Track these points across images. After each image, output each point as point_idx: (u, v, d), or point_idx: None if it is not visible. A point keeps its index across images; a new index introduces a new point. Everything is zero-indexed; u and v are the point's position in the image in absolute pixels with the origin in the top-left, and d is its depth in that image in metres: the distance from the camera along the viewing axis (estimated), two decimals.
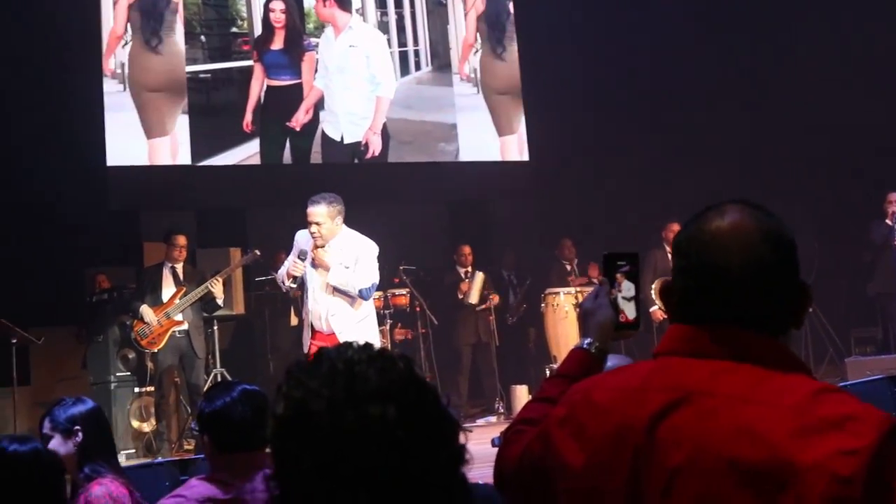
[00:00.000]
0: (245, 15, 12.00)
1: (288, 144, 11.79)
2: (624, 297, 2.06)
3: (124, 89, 11.21)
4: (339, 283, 6.64)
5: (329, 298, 6.72)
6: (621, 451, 1.57)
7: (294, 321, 10.82)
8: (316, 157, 11.92)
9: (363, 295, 6.74)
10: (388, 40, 12.48)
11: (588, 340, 2.05)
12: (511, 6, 13.05)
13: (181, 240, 9.18)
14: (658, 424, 1.54)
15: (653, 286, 10.30)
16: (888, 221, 10.33)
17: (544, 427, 1.75)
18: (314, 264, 6.73)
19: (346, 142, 11.98)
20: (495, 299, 10.61)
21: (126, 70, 11.21)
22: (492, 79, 12.82)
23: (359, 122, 12.08)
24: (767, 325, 1.60)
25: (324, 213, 6.61)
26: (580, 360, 2.04)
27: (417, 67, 12.66)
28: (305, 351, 6.91)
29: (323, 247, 6.68)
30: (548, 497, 1.71)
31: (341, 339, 6.54)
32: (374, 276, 6.79)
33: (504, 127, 12.75)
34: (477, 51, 12.81)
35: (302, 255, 6.71)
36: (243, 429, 2.97)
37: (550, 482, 1.68)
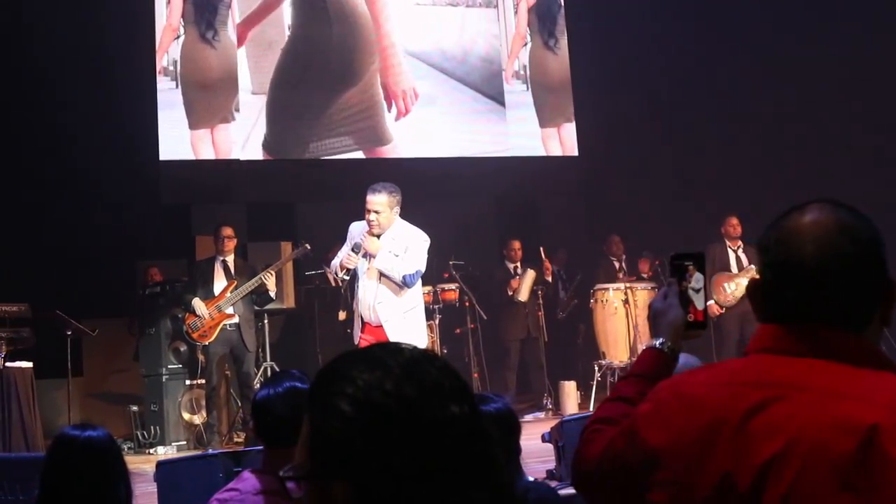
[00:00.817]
0: None
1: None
2: (693, 289, 2.08)
3: (176, 86, 11.32)
4: (384, 267, 6.65)
5: (376, 287, 6.72)
6: (713, 444, 1.58)
7: (342, 315, 10.87)
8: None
9: (406, 281, 6.71)
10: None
11: (660, 340, 2.06)
12: None
13: (227, 230, 9.24)
14: (752, 418, 1.56)
15: (712, 279, 10.26)
16: None
17: (629, 424, 1.77)
18: (365, 255, 6.76)
19: None
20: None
21: (178, 66, 11.31)
22: (542, 73, 12.79)
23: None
24: (851, 322, 1.61)
25: (384, 202, 6.63)
26: (653, 359, 2.05)
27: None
28: (356, 343, 6.93)
29: (379, 235, 6.69)
30: (633, 493, 1.72)
31: (388, 329, 6.62)
32: (419, 264, 6.77)
33: (553, 121, 12.71)
34: (527, 44, 12.78)
35: (356, 248, 6.72)
36: (282, 425, 2.92)
37: (637, 476, 1.70)
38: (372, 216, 6.63)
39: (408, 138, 12.08)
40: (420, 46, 12.35)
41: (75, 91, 10.69)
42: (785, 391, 1.57)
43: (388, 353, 1.29)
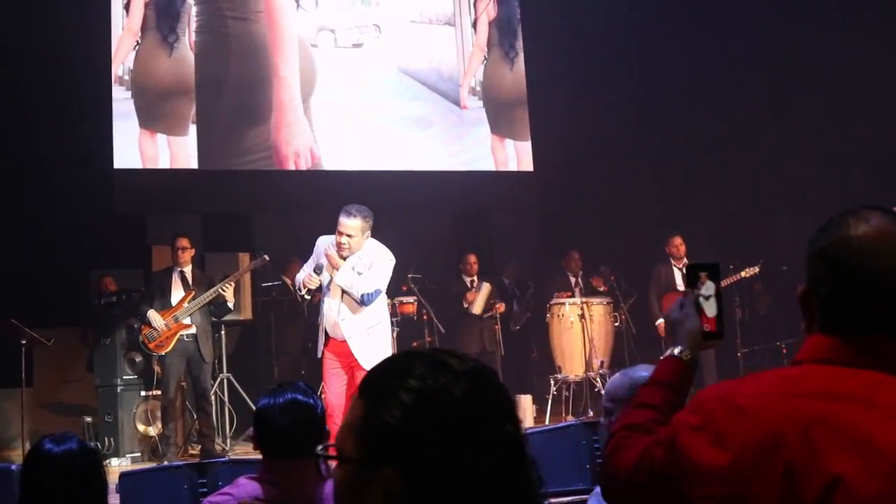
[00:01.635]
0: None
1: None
2: (703, 296, 2.09)
3: (131, 96, 11.24)
4: (344, 284, 6.70)
5: (339, 303, 6.76)
6: (771, 456, 1.54)
7: (302, 326, 10.86)
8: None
9: (364, 300, 6.75)
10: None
11: (679, 349, 2.07)
12: (519, 11, 13.09)
13: (182, 241, 9.19)
14: (815, 431, 1.52)
15: (658, 300, 10.40)
16: None
17: (669, 434, 1.73)
18: (320, 272, 6.79)
19: None
20: (501, 308, 10.65)
21: (133, 71, 11.23)
22: (497, 88, 12.85)
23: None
24: None
25: (357, 227, 6.69)
26: (673, 367, 2.05)
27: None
28: (319, 356, 6.94)
29: (346, 258, 6.71)
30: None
31: (352, 345, 6.66)
32: (379, 283, 6.83)
33: (508, 136, 12.78)
34: (485, 59, 12.85)
35: (317, 270, 6.75)
36: (282, 436, 2.96)
37: (678, 489, 1.66)
38: (343, 239, 6.67)
39: (364, 150, 12.09)
40: (381, 59, 12.37)
41: (29, 99, 10.58)
42: (851, 405, 1.53)
43: (456, 359, 1.33)
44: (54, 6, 10.60)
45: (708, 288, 2.10)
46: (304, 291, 6.96)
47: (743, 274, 10.27)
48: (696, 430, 1.65)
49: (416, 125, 12.45)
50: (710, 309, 2.09)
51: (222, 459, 6.14)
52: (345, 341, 6.75)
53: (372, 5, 12.47)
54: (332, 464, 1.33)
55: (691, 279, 2.13)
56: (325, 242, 6.88)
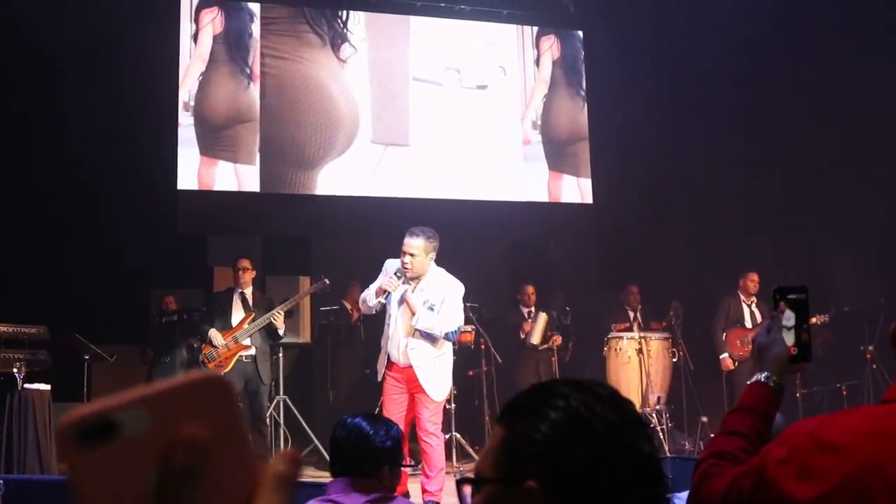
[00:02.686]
0: None
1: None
2: (784, 326, 2.09)
3: (193, 123, 11.45)
4: (426, 327, 6.76)
5: (409, 336, 6.81)
6: (860, 494, 1.56)
7: (358, 351, 10.90)
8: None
9: (448, 337, 6.87)
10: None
11: (766, 374, 2.07)
12: (582, 54, 13.17)
13: (244, 262, 9.27)
14: None
15: (724, 335, 10.30)
16: None
17: (757, 465, 1.76)
18: (401, 299, 6.80)
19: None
20: (558, 340, 10.59)
21: (195, 101, 11.43)
22: (557, 124, 12.90)
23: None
24: None
25: (420, 247, 6.75)
26: (760, 393, 2.05)
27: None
28: (378, 379, 6.95)
29: (413, 278, 6.76)
30: None
31: (419, 373, 6.68)
32: (460, 319, 6.93)
33: (566, 171, 12.81)
34: (545, 96, 12.91)
35: (399, 273, 6.76)
36: (343, 455, 3.18)
37: None
38: (407, 259, 6.73)
39: (425, 178, 12.17)
40: (438, 79, 12.51)
41: (96, 120, 10.77)
42: None
43: (597, 384, 1.39)
44: (125, 28, 10.79)
45: (788, 318, 2.09)
46: (379, 299, 6.91)
47: (813, 321, 10.13)
48: (783, 462, 1.67)
49: (482, 158, 12.58)
50: (790, 338, 2.09)
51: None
52: (409, 367, 6.77)
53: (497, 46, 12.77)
54: (468, 491, 1.36)
55: (777, 303, 2.12)
56: (393, 265, 6.91)
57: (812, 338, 2.11)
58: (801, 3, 12.22)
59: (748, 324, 10.38)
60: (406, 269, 6.75)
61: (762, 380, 2.06)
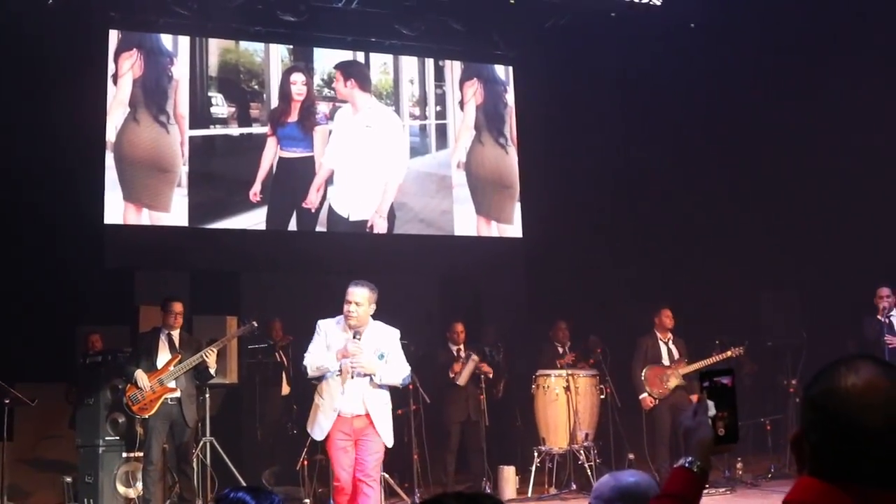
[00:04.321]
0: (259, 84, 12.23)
1: (294, 216, 11.94)
2: (710, 410, 2.13)
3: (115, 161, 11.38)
4: (389, 381, 6.95)
5: (360, 383, 6.87)
6: None
7: (286, 390, 10.83)
8: (320, 229, 12.11)
9: (405, 382, 7.21)
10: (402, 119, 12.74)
11: (689, 459, 2.11)
12: (507, 97, 13.30)
13: (178, 306, 9.17)
14: None
15: (643, 374, 10.42)
16: (879, 317, 10.25)
17: None
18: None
19: (351, 219, 12.19)
20: (488, 370, 10.59)
21: (120, 142, 11.36)
22: (484, 167, 13.03)
23: (367, 202, 12.28)
24: None
25: (365, 296, 6.86)
26: (684, 479, 2.10)
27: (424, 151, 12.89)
28: (322, 438, 6.96)
29: (356, 327, 6.86)
30: None
31: (375, 420, 6.84)
32: (406, 364, 7.14)
33: (492, 215, 12.94)
34: (472, 139, 13.03)
35: (357, 336, 6.84)
36: None
37: None
38: (352, 307, 6.83)
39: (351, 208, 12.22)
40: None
41: (22, 152, 10.65)
42: None
43: (483, 497, 1.47)
44: (55, 61, 10.68)
45: (710, 408, 2.13)
46: (331, 365, 6.92)
47: (728, 353, 10.30)
48: None
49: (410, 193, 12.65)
50: (718, 428, 2.13)
51: None
52: (361, 416, 6.85)
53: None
54: None
55: (704, 387, 2.16)
56: (328, 325, 7.00)
57: (738, 416, 2.16)
58: (730, 29, 12.47)
59: (665, 361, 10.50)
60: (349, 316, 6.84)
61: (686, 465, 2.11)
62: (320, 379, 7.01)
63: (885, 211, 11.71)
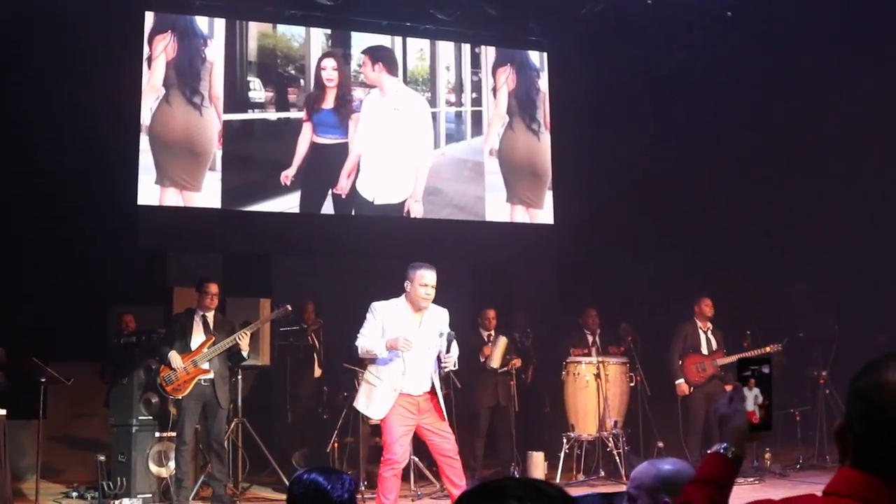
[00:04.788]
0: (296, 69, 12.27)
1: (329, 200, 11.99)
2: (756, 403, 2.16)
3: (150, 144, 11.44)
4: (454, 361, 7.25)
5: (428, 364, 7.13)
6: None
7: (318, 373, 10.88)
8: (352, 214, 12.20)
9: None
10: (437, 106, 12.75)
11: (724, 445, 2.14)
12: (540, 83, 13.27)
13: (214, 288, 9.22)
14: None
15: (680, 360, 10.41)
16: None
17: None
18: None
19: (376, 203, 12.19)
20: (517, 363, 10.61)
21: (152, 124, 11.41)
22: (516, 153, 13.02)
23: (394, 185, 12.28)
24: None
25: (436, 279, 7.21)
26: (718, 464, 2.12)
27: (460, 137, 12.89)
28: (380, 416, 7.13)
29: (424, 309, 7.16)
30: None
31: (439, 396, 7.19)
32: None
33: (524, 202, 12.93)
34: (504, 125, 13.01)
35: (450, 338, 7.16)
36: None
37: None
38: (430, 290, 7.15)
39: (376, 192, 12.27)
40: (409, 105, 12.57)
41: (56, 134, 10.73)
42: None
43: (545, 484, 1.44)
44: (91, 40, 10.74)
45: (755, 396, 2.16)
46: (387, 352, 7.09)
47: (767, 349, 10.27)
48: None
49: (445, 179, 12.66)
50: (754, 406, 2.16)
51: None
52: (420, 396, 7.11)
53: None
54: None
55: (741, 374, 2.18)
56: (384, 309, 7.16)
57: (772, 404, 2.17)
58: (769, 28, 12.38)
59: (704, 350, 10.50)
60: (427, 300, 7.13)
61: (720, 451, 2.13)
62: (375, 360, 7.14)
63: None
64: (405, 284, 7.19)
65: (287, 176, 11.84)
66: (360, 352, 7.23)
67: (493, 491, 1.40)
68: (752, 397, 2.16)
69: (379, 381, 7.11)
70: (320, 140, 12.06)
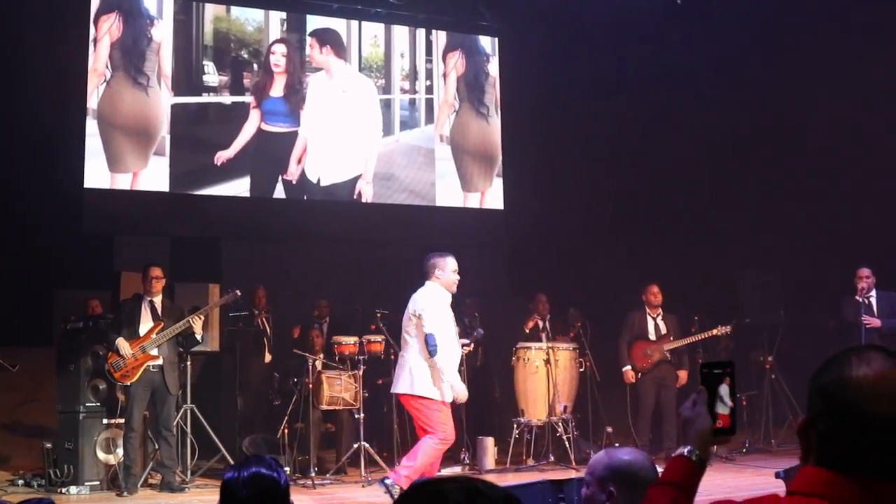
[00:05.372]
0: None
1: (280, 185, 11.92)
2: (712, 400, 2.14)
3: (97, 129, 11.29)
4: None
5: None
6: None
7: (268, 358, 10.83)
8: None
9: None
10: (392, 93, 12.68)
11: (688, 448, 2.14)
12: (490, 67, 13.27)
13: (155, 271, 9.12)
14: None
15: (627, 347, 10.52)
16: (858, 298, 10.31)
17: None
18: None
19: (322, 184, 12.12)
20: (468, 348, 10.61)
21: (99, 107, 11.26)
22: (466, 139, 13.02)
23: (340, 166, 12.23)
24: None
25: None
26: (683, 467, 2.13)
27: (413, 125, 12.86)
28: (460, 394, 7.69)
29: None
30: None
31: None
32: None
33: (475, 187, 12.95)
34: (454, 111, 13.01)
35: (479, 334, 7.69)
36: None
37: None
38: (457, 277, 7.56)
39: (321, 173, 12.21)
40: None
41: (1, 121, 10.55)
42: None
43: (488, 486, 1.45)
44: (33, 26, 10.57)
45: (725, 392, 2.14)
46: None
47: (715, 332, 10.42)
48: None
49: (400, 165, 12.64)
50: (724, 408, 2.14)
51: None
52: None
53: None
54: None
55: (704, 378, 2.17)
56: (441, 299, 7.61)
57: (737, 408, 2.18)
58: (717, 13, 12.47)
59: (652, 336, 10.61)
60: (455, 286, 7.57)
61: (685, 454, 2.14)
62: (436, 345, 7.44)
63: (866, 191, 11.80)
64: (434, 273, 7.47)
65: (220, 157, 11.70)
66: (439, 363, 7.39)
67: (434, 495, 1.39)
68: (721, 401, 2.16)
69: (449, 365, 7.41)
70: (269, 128, 11.97)
